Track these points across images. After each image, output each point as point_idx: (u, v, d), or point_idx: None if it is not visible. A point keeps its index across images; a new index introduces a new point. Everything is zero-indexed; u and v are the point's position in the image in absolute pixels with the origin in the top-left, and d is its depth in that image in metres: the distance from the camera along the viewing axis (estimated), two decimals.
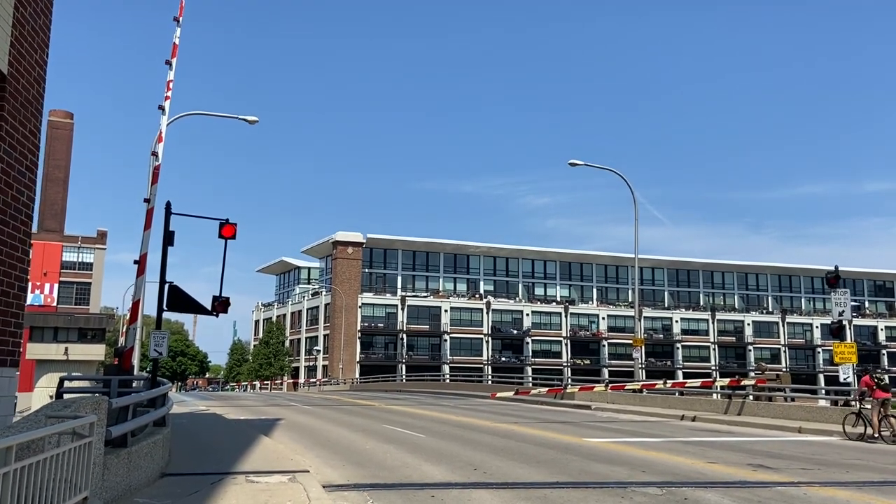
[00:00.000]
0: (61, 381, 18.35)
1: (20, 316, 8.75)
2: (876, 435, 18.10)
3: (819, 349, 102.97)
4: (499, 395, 36.39)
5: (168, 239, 15.79)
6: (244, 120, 26.64)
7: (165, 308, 15.36)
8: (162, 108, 19.71)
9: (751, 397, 24.99)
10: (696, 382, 29.71)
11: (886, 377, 19.83)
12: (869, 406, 18.71)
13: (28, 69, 8.86)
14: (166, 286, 15.33)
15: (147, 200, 18.58)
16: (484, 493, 10.23)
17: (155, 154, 19.55)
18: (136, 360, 24.19)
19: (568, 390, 32.92)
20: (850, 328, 23.13)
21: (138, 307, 18.23)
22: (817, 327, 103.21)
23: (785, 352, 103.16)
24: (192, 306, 15.61)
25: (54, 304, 72.13)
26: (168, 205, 16.09)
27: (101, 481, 7.84)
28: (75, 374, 31.00)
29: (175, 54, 20.02)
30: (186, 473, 10.49)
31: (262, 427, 19.70)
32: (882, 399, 18.27)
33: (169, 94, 19.89)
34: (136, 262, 18.25)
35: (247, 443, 14.41)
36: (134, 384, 17.10)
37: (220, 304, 15.95)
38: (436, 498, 9.86)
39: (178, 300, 15.36)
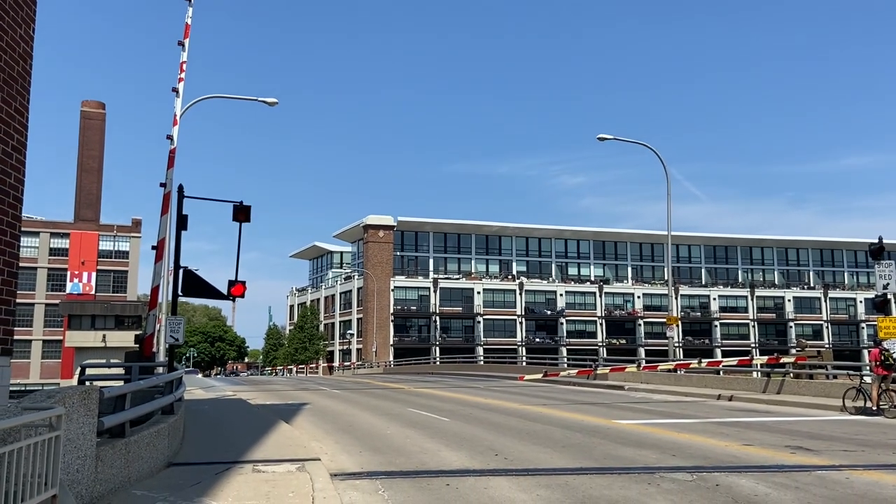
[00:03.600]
0: (82, 368, 18.30)
1: (11, 303, 8.42)
2: (874, 408, 18.18)
3: (863, 325, 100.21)
4: (527, 377, 35.73)
5: (181, 223, 15.49)
6: (264, 102, 26.26)
7: (180, 293, 15.11)
8: (176, 90, 19.40)
9: (790, 375, 24.04)
10: (733, 361, 28.71)
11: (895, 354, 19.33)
12: (870, 380, 18.89)
13: (11, 44, 8.47)
14: (181, 271, 15.08)
15: (163, 185, 18.33)
16: (502, 481, 9.72)
17: (170, 137, 19.26)
18: (162, 346, 24.17)
19: (598, 371, 32.15)
20: (895, 302, 22.11)
21: (157, 293, 18.03)
22: (861, 302, 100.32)
23: (827, 328, 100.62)
24: (206, 291, 15.34)
25: (93, 292, 73.39)
26: (181, 188, 15.79)
27: (93, 474, 7.50)
28: (95, 361, 31.23)
29: (187, 35, 19.65)
30: (194, 463, 10.16)
31: (285, 412, 19.44)
32: (882, 375, 18.32)
33: (182, 75, 19.54)
34: (153, 247, 18.06)
35: (264, 429, 14.10)
36: (157, 371, 16.97)
37: (236, 289, 15.64)
38: (451, 486, 9.38)
39: (193, 285, 15.10)
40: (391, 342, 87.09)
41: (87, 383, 16.11)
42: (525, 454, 11.97)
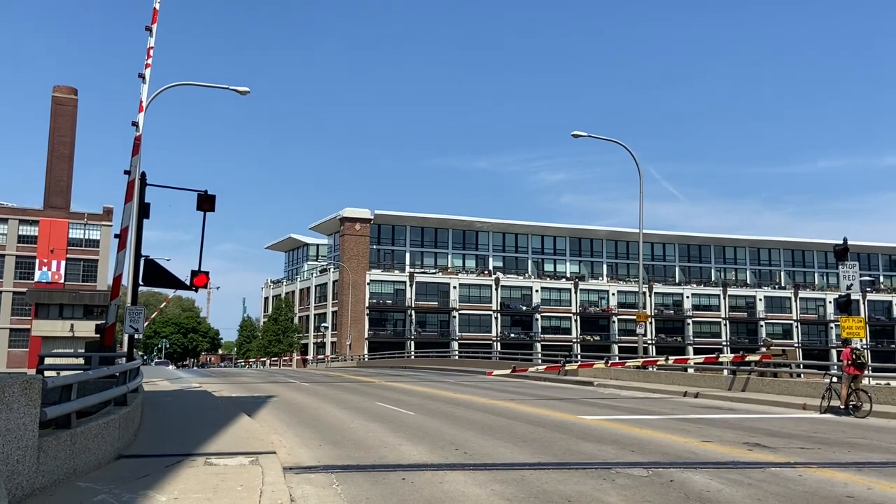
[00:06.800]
0: (41, 358, 17.98)
1: None
2: (842, 407, 18.45)
3: (833, 325, 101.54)
4: (495, 373, 35.80)
5: (143, 211, 15.24)
6: (235, 90, 25.90)
7: (141, 283, 14.87)
8: (142, 76, 19.11)
9: (755, 373, 24.29)
10: (700, 358, 29.00)
11: (866, 352, 19.61)
12: (836, 380, 19.20)
13: None
14: (142, 260, 14.83)
15: (128, 172, 18.04)
16: (458, 475, 9.67)
17: (135, 124, 18.97)
18: (126, 337, 23.77)
19: (567, 367, 32.33)
20: (863, 302, 22.53)
21: (119, 282, 17.77)
22: (831, 302, 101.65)
23: (797, 327, 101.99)
24: (168, 281, 15.12)
25: (62, 280, 72.24)
26: (143, 176, 15.54)
27: (35, 465, 7.34)
28: (60, 352, 30.77)
29: (155, 20, 19.37)
30: (145, 455, 9.99)
31: (249, 405, 19.25)
32: (852, 375, 18.56)
33: (149, 61, 19.25)
34: (116, 236, 17.78)
35: (223, 422, 13.93)
36: (117, 361, 16.69)
37: (198, 279, 15.43)
38: (406, 480, 9.32)
39: (155, 274, 14.86)
40: (366, 336, 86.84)
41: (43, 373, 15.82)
42: (485, 449, 11.95)
